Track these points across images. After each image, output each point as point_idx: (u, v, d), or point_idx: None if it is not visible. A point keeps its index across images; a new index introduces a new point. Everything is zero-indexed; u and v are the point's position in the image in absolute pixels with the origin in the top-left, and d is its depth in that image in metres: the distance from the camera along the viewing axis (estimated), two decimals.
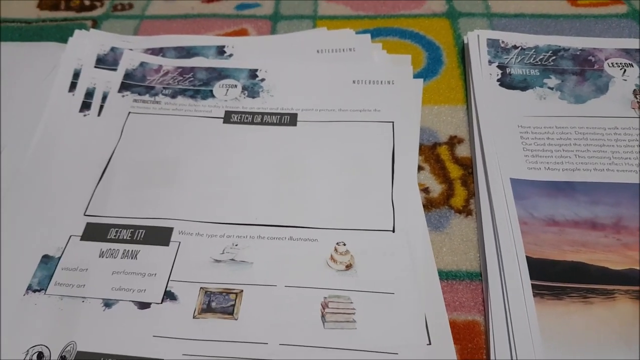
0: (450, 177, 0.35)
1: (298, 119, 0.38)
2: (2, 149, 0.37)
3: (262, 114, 0.38)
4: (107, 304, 0.29)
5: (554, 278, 0.29)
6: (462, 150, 0.37)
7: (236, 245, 0.31)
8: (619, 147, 0.35)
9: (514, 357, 0.27)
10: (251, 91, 0.40)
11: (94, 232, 0.32)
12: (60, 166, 0.36)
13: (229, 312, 0.29)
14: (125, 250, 0.31)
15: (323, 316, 0.28)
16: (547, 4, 0.47)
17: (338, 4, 0.49)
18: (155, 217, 0.33)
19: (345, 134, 0.37)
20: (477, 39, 0.42)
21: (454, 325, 0.29)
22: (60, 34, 0.47)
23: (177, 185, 0.34)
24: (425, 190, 0.35)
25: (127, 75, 0.41)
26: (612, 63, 0.40)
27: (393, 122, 0.37)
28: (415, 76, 0.42)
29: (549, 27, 0.45)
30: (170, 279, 0.30)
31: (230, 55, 0.43)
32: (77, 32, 0.45)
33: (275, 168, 0.35)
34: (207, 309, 0.29)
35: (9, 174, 0.35)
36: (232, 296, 0.29)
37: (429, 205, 0.34)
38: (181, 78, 0.40)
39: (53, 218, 0.33)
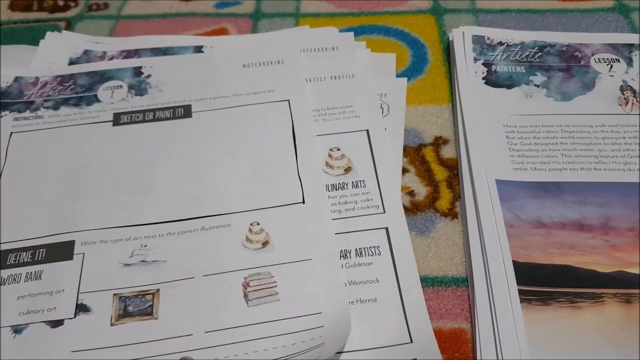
0: (436, 179, 0.35)
1: (192, 109, 0.37)
2: None
3: (154, 110, 0.37)
4: (17, 330, 0.28)
5: (541, 283, 0.29)
6: (447, 151, 0.36)
7: (145, 246, 0.31)
8: (606, 145, 0.34)
9: None
10: (138, 89, 0.38)
11: None
12: None
13: (147, 313, 0.28)
14: (28, 272, 0.30)
15: (246, 296, 0.29)
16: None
17: (321, 1, 0.48)
18: (54, 233, 0.31)
19: (243, 118, 0.37)
20: (462, 35, 0.41)
21: (440, 333, 0.28)
22: (33, 36, 0.45)
23: (73, 196, 0.33)
24: (410, 193, 0.34)
25: (2, 93, 0.38)
26: (598, 59, 0.40)
27: (288, 100, 0.37)
28: (400, 75, 0.41)
29: (536, 22, 0.44)
30: (80, 291, 0.29)
31: None
32: (49, 34, 0.43)
33: (176, 161, 0.35)
34: (124, 314, 0.28)
35: None
36: (149, 297, 0.29)
37: (414, 208, 0.33)
38: (61, 87, 0.38)
39: None
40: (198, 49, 0.42)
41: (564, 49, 0.40)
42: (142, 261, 0.30)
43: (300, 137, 0.35)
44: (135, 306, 0.29)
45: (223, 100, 0.38)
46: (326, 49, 0.42)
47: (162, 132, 0.36)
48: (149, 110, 0.37)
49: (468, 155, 0.34)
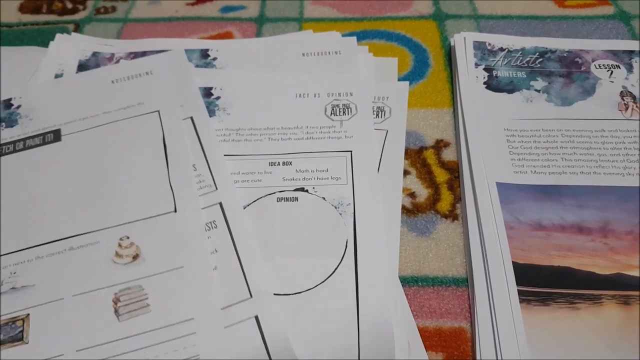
0: (437, 181, 0.35)
1: (62, 133, 0.37)
2: None
3: (24, 139, 0.37)
4: None
5: (540, 284, 0.29)
6: (448, 154, 0.37)
7: (14, 273, 0.31)
8: (606, 150, 0.35)
9: None
10: (9, 121, 0.38)
11: None
12: None
13: (18, 339, 0.28)
14: None
15: (116, 311, 0.29)
16: (534, 6, 0.47)
17: (324, 6, 0.49)
18: None
19: (113, 134, 0.36)
20: (463, 41, 0.42)
21: (440, 332, 0.28)
22: (42, 38, 0.46)
23: None
24: (411, 195, 0.34)
25: None
26: (598, 65, 0.40)
27: (158, 110, 0.37)
28: (402, 79, 0.41)
29: (536, 28, 0.45)
30: None
31: (215, 59, 0.42)
32: (58, 36, 0.44)
33: (44, 187, 0.34)
34: None
35: None
36: (19, 323, 0.29)
37: (415, 210, 0.34)
38: None
39: None
40: (204, 53, 0.43)
41: (565, 54, 0.41)
42: (12, 288, 0.30)
43: (171, 146, 0.35)
44: (6, 333, 0.28)
45: (92, 119, 0.37)
46: (329, 53, 0.43)
47: (33, 160, 0.36)
48: (19, 141, 0.36)
49: (469, 158, 0.35)
